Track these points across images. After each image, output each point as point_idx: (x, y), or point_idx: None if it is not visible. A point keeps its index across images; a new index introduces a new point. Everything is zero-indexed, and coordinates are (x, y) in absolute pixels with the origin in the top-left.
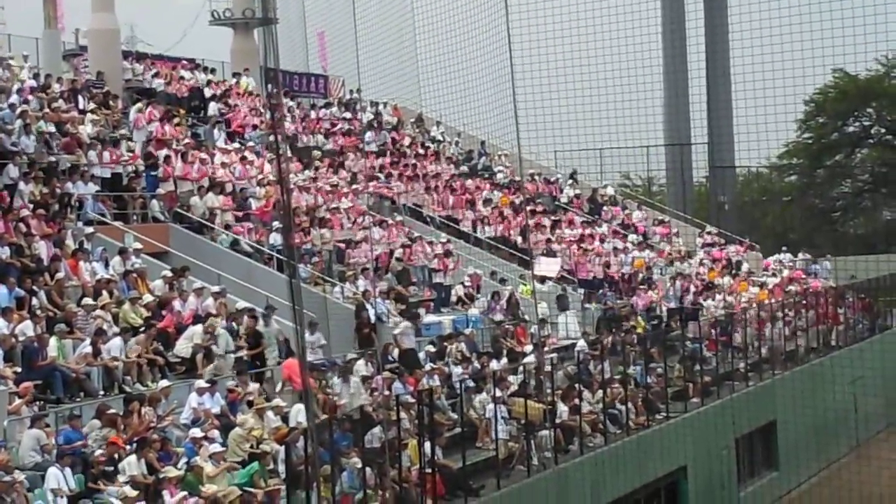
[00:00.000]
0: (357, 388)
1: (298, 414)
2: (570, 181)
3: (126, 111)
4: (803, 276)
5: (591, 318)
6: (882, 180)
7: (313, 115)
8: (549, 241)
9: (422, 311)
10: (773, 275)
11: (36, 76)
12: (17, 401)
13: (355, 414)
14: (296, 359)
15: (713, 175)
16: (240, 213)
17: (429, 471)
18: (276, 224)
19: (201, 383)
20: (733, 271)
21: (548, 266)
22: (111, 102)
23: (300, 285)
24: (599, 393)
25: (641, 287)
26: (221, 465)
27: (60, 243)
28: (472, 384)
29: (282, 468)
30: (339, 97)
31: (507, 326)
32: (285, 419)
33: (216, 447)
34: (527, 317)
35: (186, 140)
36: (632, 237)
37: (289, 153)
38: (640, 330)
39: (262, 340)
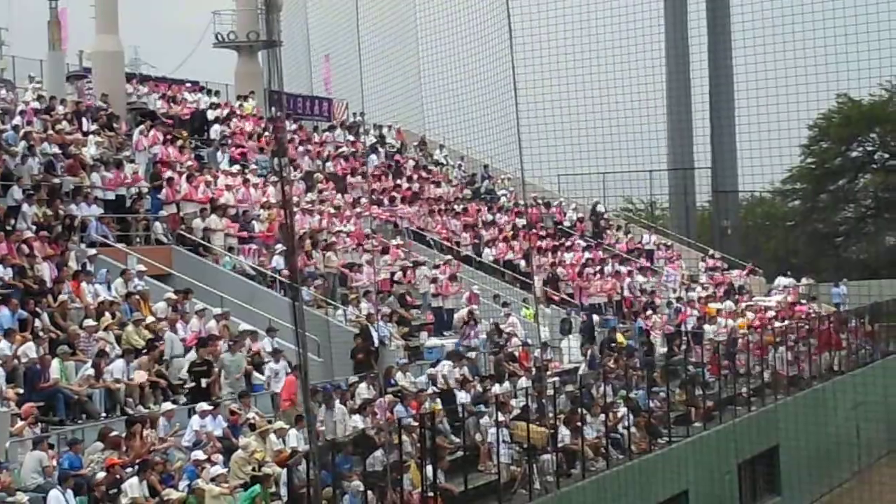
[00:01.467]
0: (341, 417)
1: (293, 437)
2: (593, 216)
3: (130, 133)
4: (804, 302)
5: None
6: (885, 205)
7: (316, 137)
8: (553, 264)
9: (423, 334)
10: (776, 304)
11: (40, 98)
12: (20, 422)
13: (357, 437)
14: (294, 377)
15: (716, 199)
16: (244, 235)
17: (430, 494)
18: (279, 247)
19: (203, 406)
20: (735, 296)
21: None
22: (115, 124)
23: (303, 308)
24: (601, 417)
25: (645, 312)
26: (223, 487)
27: (63, 265)
28: (483, 408)
29: (284, 491)
30: (342, 120)
31: (510, 350)
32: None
33: (217, 469)
34: (530, 341)
35: (190, 162)
36: (637, 261)
37: (293, 176)
38: (622, 344)
39: (213, 369)
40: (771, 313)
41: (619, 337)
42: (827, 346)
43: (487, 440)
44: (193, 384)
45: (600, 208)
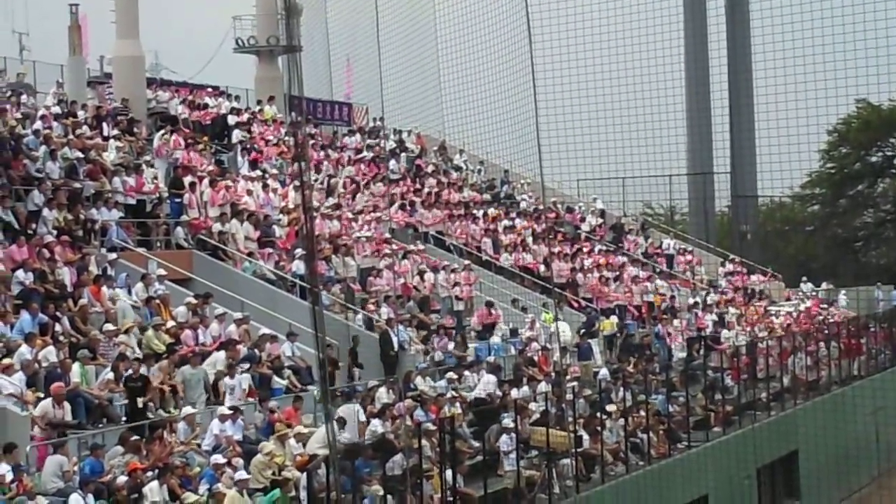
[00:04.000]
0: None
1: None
2: (641, 232)
3: (150, 138)
4: (824, 306)
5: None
6: None
7: (336, 142)
8: (573, 269)
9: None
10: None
11: (61, 102)
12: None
13: (376, 442)
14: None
15: (735, 204)
16: (262, 238)
17: (450, 499)
18: (298, 251)
19: (224, 410)
20: (752, 301)
21: None
22: (135, 129)
23: (322, 312)
24: (621, 421)
25: (665, 316)
26: (245, 492)
27: (84, 269)
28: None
29: (304, 495)
30: (362, 125)
31: (529, 355)
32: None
33: (242, 474)
34: (549, 345)
35: (210, 167)
36: (655, 265)
37: (312, 180)
38: (606, 331)
39: (149, 385)
40: (789, 319)
41: (606, 324)
42: (848, 351)
43: (500, 447)
44: (126, 402)
45: (599, 205)
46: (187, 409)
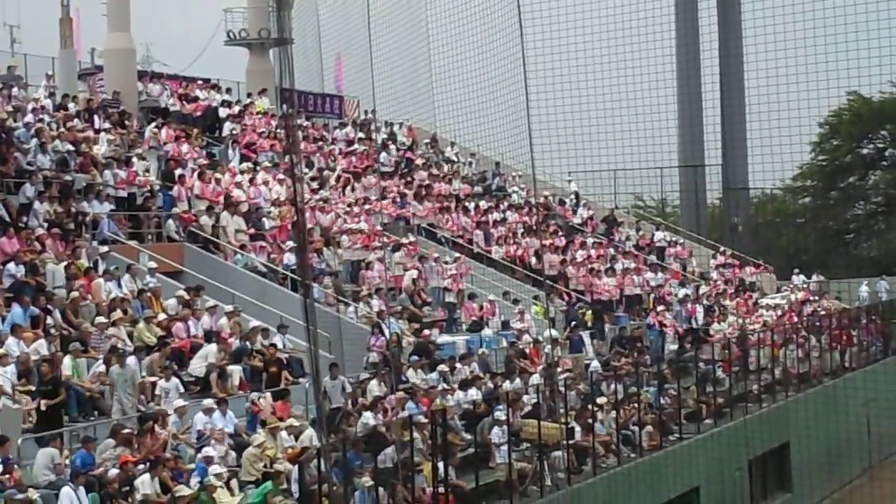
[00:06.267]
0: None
1: (312, 437)
2: (654, 231)
3: (141, 131)
4: (815, 298)
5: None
6: (895, 202)
7: (327, 135)
8: (563, 262)
9: (435, 331)
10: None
11: (52, 95)
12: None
13: (368, 434)
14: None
15: (727, 197)
16: (253, 232)
17: (441, 491)
18: (290, 244)
19: (208, 403)
20: (744, 293)
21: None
22: (126, 122)
23: (314, 305)
24: (613, 414)
25: (660, 308)
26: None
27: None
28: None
29: (295, 488)
30: (353, 117)
31: (520, 347)
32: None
33: (216, 468)
34: (540, 338)
35: (201, 160)
36: (647, 258)
37: (304, 173)
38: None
39: (59, 389)
40: (779, 311)
41: (588, 315)
42: (839, 343)
43: (492, 440)
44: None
45: (573, 187)
46: (178, 402)
